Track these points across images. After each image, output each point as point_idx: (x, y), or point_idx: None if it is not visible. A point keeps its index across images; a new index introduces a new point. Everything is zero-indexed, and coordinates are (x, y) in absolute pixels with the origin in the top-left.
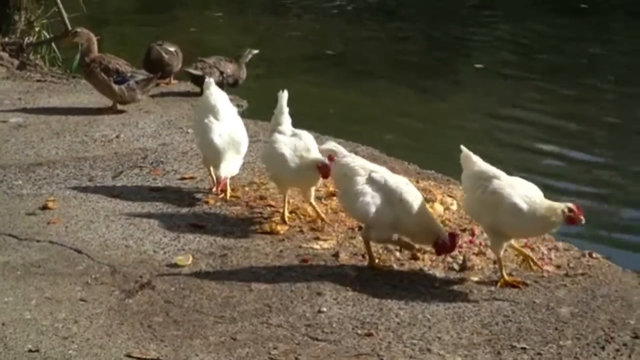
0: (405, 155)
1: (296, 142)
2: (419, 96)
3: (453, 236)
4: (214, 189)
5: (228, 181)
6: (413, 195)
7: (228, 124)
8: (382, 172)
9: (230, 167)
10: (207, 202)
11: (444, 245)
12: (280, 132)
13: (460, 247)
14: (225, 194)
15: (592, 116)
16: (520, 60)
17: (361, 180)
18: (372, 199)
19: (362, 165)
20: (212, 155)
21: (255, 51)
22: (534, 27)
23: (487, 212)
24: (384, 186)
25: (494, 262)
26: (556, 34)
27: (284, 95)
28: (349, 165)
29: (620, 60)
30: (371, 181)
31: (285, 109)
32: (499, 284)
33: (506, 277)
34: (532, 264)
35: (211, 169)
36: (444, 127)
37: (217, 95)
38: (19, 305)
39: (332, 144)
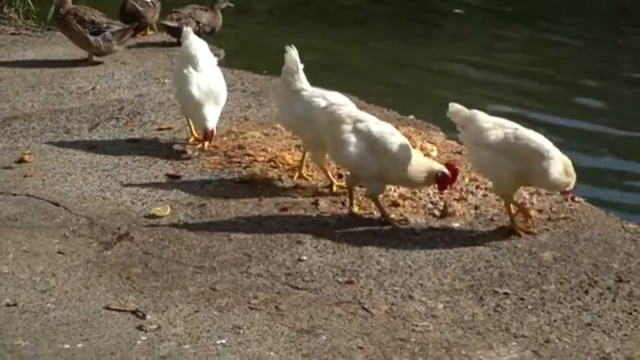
0: (383, 101)
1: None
2: (397, 43)
3: (452, 167)
4: (192, 139)
5: (215, 132)
6: (398, 144)
7: (207, 75)
8: (367, 121)
9: (213, 118)
10: (184, 152)
11: (445, 177)
12: (306, 93)
13: (441, 193)
14: (203, 145)
15: (572, 61)
16: (500, 4)
17: (347, 128)
18: (355, 149)
19: (349, 114)
20: (191, 107)
21: (231, 4)
22: None
23: (512, 159)
24: (367, 135)
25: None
26: None
27: (294, 51)
28: (335, 113)
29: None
30: (356, 130)
31: (300, 67)
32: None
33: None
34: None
35: (190, 120)
36: (423, 73)
37: (196, 45)
38: None
39: (319, 90)
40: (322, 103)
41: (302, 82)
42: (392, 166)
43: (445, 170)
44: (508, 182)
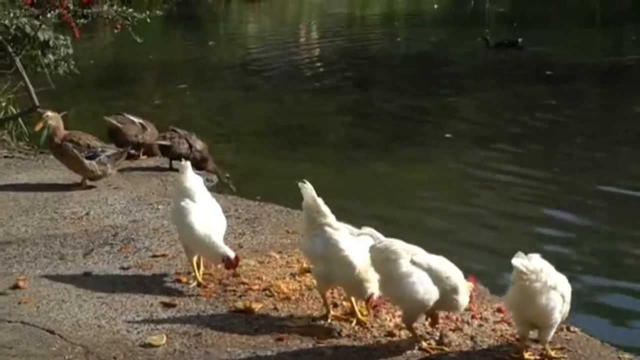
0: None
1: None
2: (390, 167)
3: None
4: (193, 283)
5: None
6: (455, 272)
7: (206, 208)
8: (421, 254)
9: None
10: (179, 280)
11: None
12: (328, 229)
13: (437, 323)
14: (197, 276)
15: (562, 179)
16: (489, 128)
17: (405, 263)
18: (418, 281)
19: (404, 248)
20: (197, 240)
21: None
22: (501, 95)
23: None
24: (428, 267)
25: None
26: (523, 102)
27: (310, 187)
28: (391, 249)
29: (585, 125)
30: (414, 263)
31: (320, 201)
32: None
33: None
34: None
35: (193, 260)
36: (414, 197)
37: (192, 179)
38: None
39: (369, 229)
40: (367, 240)
41: (326, 215)
42: (453, 293)
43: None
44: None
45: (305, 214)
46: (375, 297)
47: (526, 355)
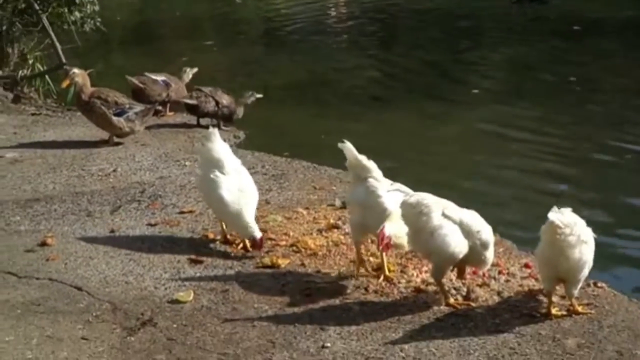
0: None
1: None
2: (416, 123)
3: None
4: (238, 248)
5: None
6: (486, 227)
7: (235, 178)
8: (453, 207)
9: (255, 223)
10: (206, 237)
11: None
12: (371, 181)
13: (465, 276)
14: (246, 248)
15: (589, 136)
16: (515, 84)
17: (436, 216)
18: (450, 234)
19: (437, 202)
20: (226, 213)
21: (259, 95)
22: (526, 51)
23: None
24: (460, 221)
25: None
26: (549, 57)
27: (350, 145)
28: (422, 202)
29: (614, 81)
30: (446, 216)
31: (363, 157)
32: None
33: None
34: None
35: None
36: (440, 153)
37: (218, 148)
38: (20, 344)
39: (398, 185)
40: (397, 195)
41: (371, 170)
42: (483, 248)
43: None
44: None
45: (350, 171)
46: (386, 235)
47: (553, 310)
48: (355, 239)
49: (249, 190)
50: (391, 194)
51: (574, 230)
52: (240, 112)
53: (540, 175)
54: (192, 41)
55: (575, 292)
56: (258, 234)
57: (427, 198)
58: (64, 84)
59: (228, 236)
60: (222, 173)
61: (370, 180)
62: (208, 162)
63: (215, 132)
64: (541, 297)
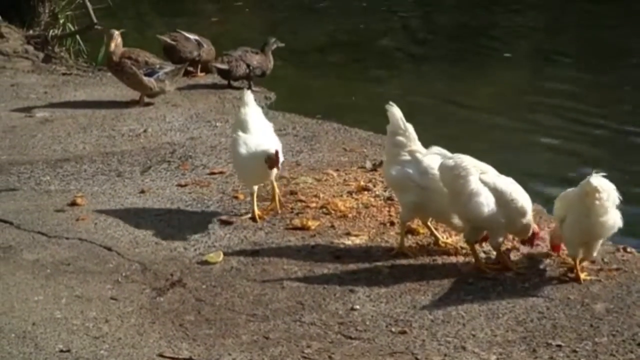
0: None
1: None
2: (449, 86)
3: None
4: (243, 217)
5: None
6: (522, 195)
7: (258, 136)
8: (491, 172)
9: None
10: (236, 197)
11: (533, 235)
12: (421, 157)
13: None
14: (254, 216)
15: (624, 101)
16: (548, 47)
17: (474, 180)
18: (485, 200)
19: (475, 165)
20: (241, 167)
21: (282, 44)
22: (560, 14)
23: None
24: (495, 187)
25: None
26: (585, 21)
27: (397, 110)
28: (460, 165)
29: None
30: (483, 182)
31: (409, 125)
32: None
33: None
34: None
35: (254, 194)
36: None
37: (251, 112)
38: (49, 304)
39: (437, 149)
40: (441, 160)
41: (414, 140)
42: (518, 216)
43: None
44: None
45: (390, 138)
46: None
47: (583, 275)
48: (405, 221)
49: (269, 143)
50: (431, 157)
51: (611, 196)
52: (270, 64)
53: (571, 139)
54: (222, 1)
55: (595, 253)
56: (272, 150)
57: (465, 161)
58: (111, 46)
59: (256, 211)
60: (246, 133)
61: (421, 157)
62: (237, 123)
63: (248, 95)
64: (569, 262)
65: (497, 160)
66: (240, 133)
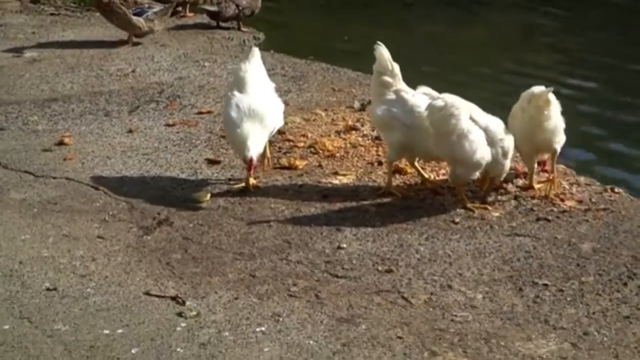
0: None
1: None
2: (441, 28)
3: None
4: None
5: (255, 161)
6: (510, 136)
7: (253, 96)
8: (478, 111)
9: (255, 144)
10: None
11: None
12: (407, 96)
13: (483, 188)
14: (247, 183)
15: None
16: None
17: (464, 119)
18: (476, 139)
19: (465, 106)
20: (229, 132)
21: None
22: None
23: None
24: (486, 127)
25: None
26: None
27: (385, 49)
28: (450, 105)
29: None
30: (474, 121)
31: (396, 65)
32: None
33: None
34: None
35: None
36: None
37: (251, 69)
38: (36, 243)
39: (425, 88)
40: (429, 100)
41: (400, 81)
42: (503, 157)
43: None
44: None
45: (376, 78)
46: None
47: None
48: (395, 159)
49: (262, 113)
50: (419, 97)
51: (552, 104)
52: (258, 3)
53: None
54: None
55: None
56: (250, 154)
57: (456, 101)
58: None
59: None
60: (241, 92)
61: (406, 97)
62: (235, 81)
63: (255, 53)
64: (556, 199)
65: (485, 101)
66: (235, 92)
